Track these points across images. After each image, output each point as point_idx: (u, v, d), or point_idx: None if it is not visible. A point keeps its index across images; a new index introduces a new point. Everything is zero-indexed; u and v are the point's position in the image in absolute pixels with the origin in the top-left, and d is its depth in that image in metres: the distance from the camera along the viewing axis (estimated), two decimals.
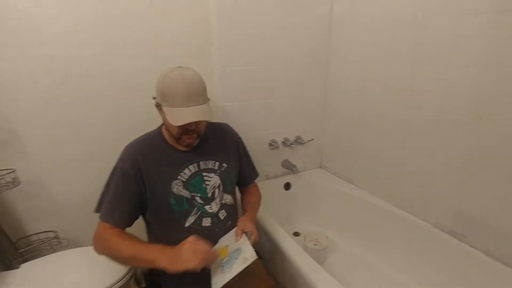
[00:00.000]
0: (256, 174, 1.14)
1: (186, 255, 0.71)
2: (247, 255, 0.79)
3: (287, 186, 1.70)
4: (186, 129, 0.83)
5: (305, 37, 1.50)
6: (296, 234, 1.63)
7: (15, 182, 1.06)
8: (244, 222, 0.90)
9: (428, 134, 1.17)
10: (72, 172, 1.22)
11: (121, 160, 0.86)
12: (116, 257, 0.79)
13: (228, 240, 0.89)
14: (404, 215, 1.31)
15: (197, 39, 1.32)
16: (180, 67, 0.84)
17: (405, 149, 1.28)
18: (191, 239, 0.74)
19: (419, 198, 1.25)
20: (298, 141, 1.66)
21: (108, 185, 0.86)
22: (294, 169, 1.62)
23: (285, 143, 1.63)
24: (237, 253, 0.82)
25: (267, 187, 1.52)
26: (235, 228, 0.92)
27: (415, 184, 1.26)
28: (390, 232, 1.36)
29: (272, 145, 1.60)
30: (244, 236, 0.86)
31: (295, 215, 1.70)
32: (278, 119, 1.59)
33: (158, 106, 0.85)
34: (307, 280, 0.96)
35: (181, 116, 0.78)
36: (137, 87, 1.25)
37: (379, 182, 1.45)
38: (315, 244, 1.41)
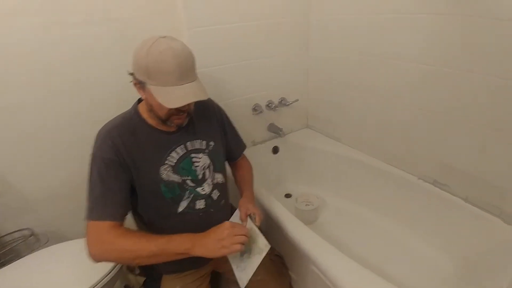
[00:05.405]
0: (243, 146, 1.08)
1: (228, 241, 0.68)
2: (260, 245, 0.77)
3: (275, 150, 1.66)
4: (178, 109, 0.73)
5: None
6: (287, 195, 1.65)
7: None
8: (245, 205, 0.86)
9: (413, 88, 1.13)
10: (38, 163, 1.10)
11: (99, 148, 0.73)
12: (130, 258, 0.69)
13: None
14: (390, 169, 1.33)
15: None
16: (164, 37, 0.69)
17: (390, 104, 1.24)
18: (228, 224, 0.72)
19: (404, 152, 1.26)
20: (283, 103, 1.57)
21: (91, 181, 0.73)
22: (280, 132, 1.57)
23: (269, 106, 1.54)
24: (249, 241, 0.79)
25: (255, 153, 1.47)
26: (237, 212, 0.88)
27: (400, 139, 1.26)
28: (377, 186, 1.39)
29: (256, 109, 1.51)
30: (249, 220, 0.83)
31: (286, 178, 1.70)
32: (260, 82, 1.47)
33: (139, 84, 0.72)
34: (295, 242, 0.98)
35: (175, 97, 0.68)
36: (96, 59, 1.08)
37: (365, 139, 1.43)
38: (306, 205, 1.43)
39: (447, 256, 1.14)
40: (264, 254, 0.75)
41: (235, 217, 0.88)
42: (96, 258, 0.68)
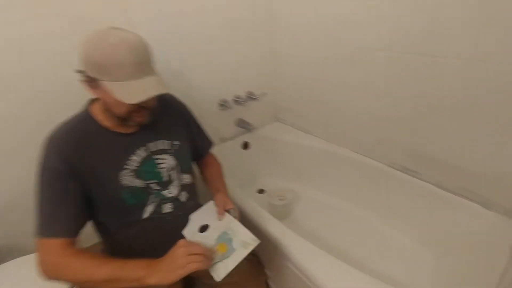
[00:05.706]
0: (210, 143, 1.03)
1: (182, 260, 0.63)
2: (246, 239, 0.74)
3: (245, 145, 1.63)
4: (139, 106, 0.67)
5: None
6: (260, 191, 1.63)
7: None
8: (222, 200, 0.83)
9: (379, 77, 1.13)
10: None
11: (47, 158, 0.67)
12: (81, 282, 0.64)
13: (206, 219, 0.82)
14: (360, 158, 1.35)
15: None
16: (115, 28, 0.63)
17: (358, 93, 1.24)
18: (182, 242, 0.66)
19: (374, 140, 1.28)
20: (251, 97, 1.53)
21: (40, 194, 0.66)
22: (249, 127, 1.53)
23: (237, 101, 1.50)
24: (228, 235, 0.76)
25: (225, 150, 1.43)
26: (207, 205, 0.85)
27: (369, 128, 1.27)
28: (349, 176, 1.41)
29: (223, 105, 1.45)
30: (228, 215, 0.80)
31: (258, 173, 1.67)
32: (226, 76, 1.41)
33: (91, 82, 0.64)
34: (269, 238, 0.96)
35: (135, 92, 0.62)
36: (42, 57, 0.98)
37: (335, 130, 1.44)
38: (280, 200, 1.42)
39: (426, 245, 1.15)
40: (251, 248, 0.73)
41: (209, 211, 0.84)
42: (47, 277, 0.64)
